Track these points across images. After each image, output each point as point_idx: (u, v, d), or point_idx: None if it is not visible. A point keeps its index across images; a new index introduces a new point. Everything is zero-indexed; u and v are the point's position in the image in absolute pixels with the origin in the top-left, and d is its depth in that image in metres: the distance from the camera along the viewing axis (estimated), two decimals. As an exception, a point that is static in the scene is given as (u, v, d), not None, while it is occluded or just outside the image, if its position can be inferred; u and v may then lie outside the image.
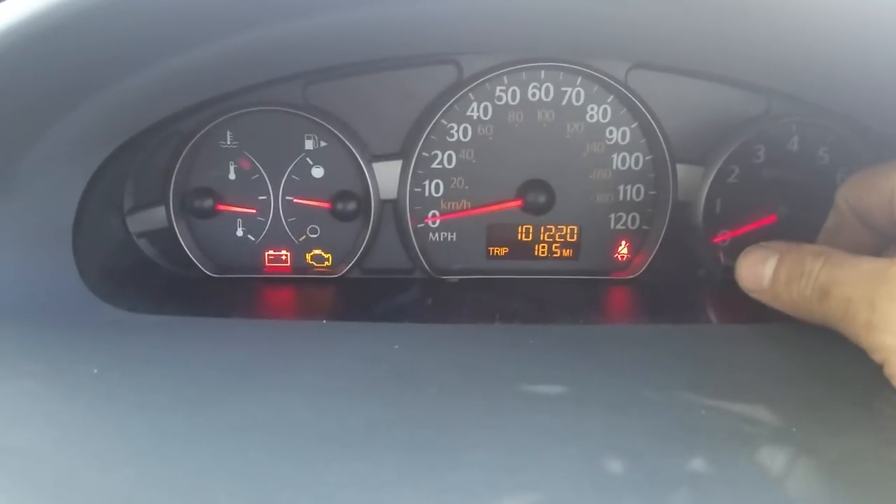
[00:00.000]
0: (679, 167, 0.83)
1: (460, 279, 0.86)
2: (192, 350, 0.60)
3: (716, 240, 0.85)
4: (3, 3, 0.46)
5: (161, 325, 0.66)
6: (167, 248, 0.84)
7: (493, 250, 0.88)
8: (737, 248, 0.67)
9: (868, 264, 0.54)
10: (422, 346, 0.61)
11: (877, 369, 0.53)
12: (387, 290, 0.82)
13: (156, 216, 0.83)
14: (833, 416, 0.50)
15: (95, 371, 0.54)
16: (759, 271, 0.62)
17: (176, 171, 0.81)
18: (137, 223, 0.83)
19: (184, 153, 0.81)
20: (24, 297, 0.64)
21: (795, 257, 0.60)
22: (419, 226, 0.86)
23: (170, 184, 0.81)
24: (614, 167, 0.85)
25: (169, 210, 0.82)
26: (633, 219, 0.87)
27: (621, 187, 0.86)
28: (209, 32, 0.53)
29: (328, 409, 0.50)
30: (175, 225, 0.83)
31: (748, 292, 0.64)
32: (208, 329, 0.66)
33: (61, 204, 0.68)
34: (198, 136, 0.80)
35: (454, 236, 0.87)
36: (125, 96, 0.60)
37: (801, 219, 0.80)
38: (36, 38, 0.45)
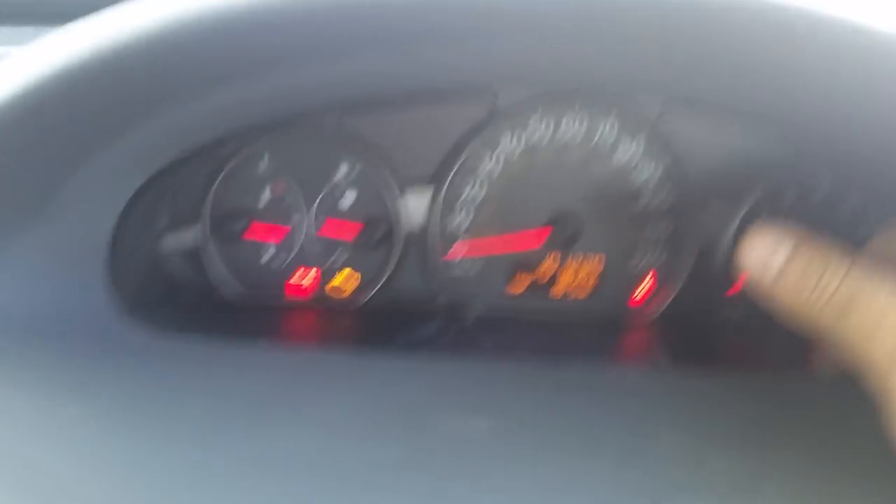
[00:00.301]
0: (706, 207, 0.83)
1: (481, 313, 0.86)
2: (218, 377, 0.61)
3: (741, 281, 0.85)
4: (64, 33, 0.48)
5: (189, 349, 0.67)
6: (198, 270, 0.86)
7: (514, 285, 0.88)
8: None
9: None
10: (439, 384, 0.61)
11: None
12: (408, 320, 0.82)
13: (189, 238, 0.84)
14: (863, 475, 0.50)
15: (131, 395, 0.55)
16: (766, 258, 0.50)
17: (211, 193, 0.82)
18: (170, 244, 0.85)
19: (220, 176, 0.82)
20: (59, 318, 0.66)
21: (817, 252, 0.48)
22: (444, 257, 0.87)
23: (204, 206, 0.83)
24: (642, 204, 0.85)
25: (202, 232, 0.84)
26: (659, 258, 0.87)
27: (649, 225, 0.86)
28: (262, 67, 0.54)
29: (336, 446, 0.50)
30: (207, 247, 0.84)
31: (745, 283, 0.53)
32: (232, 355, 0.67)
33: (98, 226, 0.69)
34: (235, 159, 0.82)
35: (477, 269, 0.88)
36: (171, 124, 0.61)
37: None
38: (99, 71, 0.47)
